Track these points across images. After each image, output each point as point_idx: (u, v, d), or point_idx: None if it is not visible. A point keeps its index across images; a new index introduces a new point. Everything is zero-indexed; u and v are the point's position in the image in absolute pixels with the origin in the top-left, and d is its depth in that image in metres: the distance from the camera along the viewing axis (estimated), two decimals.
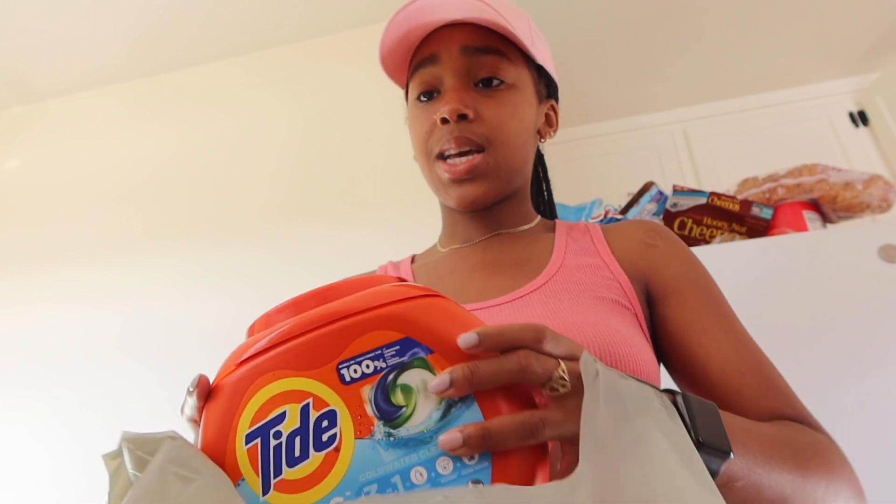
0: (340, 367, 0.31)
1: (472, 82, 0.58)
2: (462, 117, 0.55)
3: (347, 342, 0.31)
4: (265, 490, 0.29)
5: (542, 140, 0.66)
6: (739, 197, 1.26)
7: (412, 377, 0.30)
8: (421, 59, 0.59)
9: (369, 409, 0.30)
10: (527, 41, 0.58)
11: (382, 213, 1.59)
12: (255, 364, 0.32)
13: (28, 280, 1.82)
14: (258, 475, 0.30)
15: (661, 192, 1.33)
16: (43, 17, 1.83)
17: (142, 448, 0.29)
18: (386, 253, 1.51)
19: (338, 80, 1.87)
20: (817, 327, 1.01)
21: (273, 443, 0.30)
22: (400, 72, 0.65)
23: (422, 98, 0.59)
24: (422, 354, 0.31)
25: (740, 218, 1.21)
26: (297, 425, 0.30)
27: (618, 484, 0.26)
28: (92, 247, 1.81)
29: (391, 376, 0.30)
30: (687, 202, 1.26)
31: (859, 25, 2.10)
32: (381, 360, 0.31)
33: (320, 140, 1.79)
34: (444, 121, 0.56)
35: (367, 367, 0.31)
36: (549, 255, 0.60)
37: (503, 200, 0.62)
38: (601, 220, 1.33)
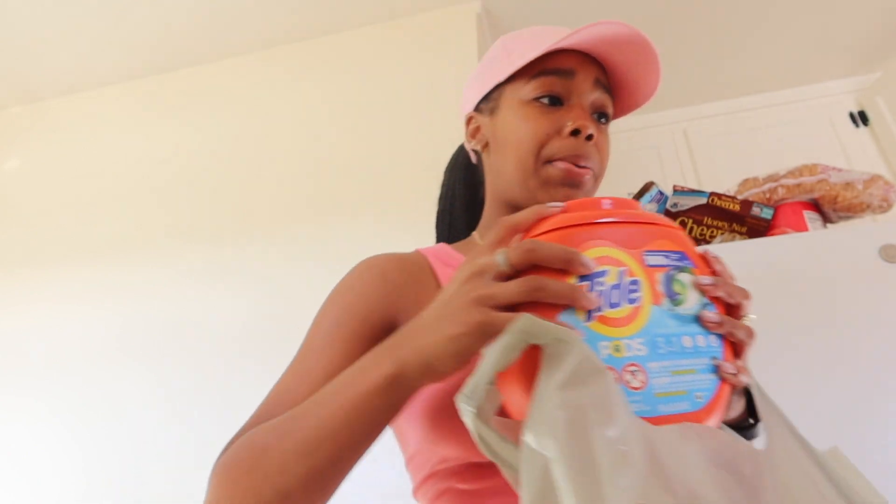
0: (645, 254, 0.43)
1: (591, 111, 0.64)
2: (589, 137, 0.61)
3: (651, 239, 0.44)
4: (588, 318, 0.39)
5: None
6: (740, 197, 1.26)
7: (685, 277, 0.43)
8: (558, 68, 0.63)
9: (660, 288, 0.42)
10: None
11: (398, 210, 1.58)
12: (592, 229, 0.43)
13: (28, 280, 1.82)
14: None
15: (661, 192, 1.33)
16: (48, 16, 1.83)
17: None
18: (402, 249, 1.51)
19: (357, 76, 1.87)
20: (817, 327, 1.01)
21: (597, 288, 0.40)
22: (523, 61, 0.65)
23: (543, 100, 0.63)
24: (691, 266, 0.44)
25: (740, 218, 1.21)
26: (616, 282, 0.41)
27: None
28: (92, 247, 1.81)
29: (674, 272, 0.43)
30: (687, 202, 1.26)
31: (860, 25, 2.10)
32: (669, 259, 0.44)
33: (328, 138, 1.79)
34: (574, 133, 0.61)
35: (661, 260, 0.43)
36: None
37: None
38: None
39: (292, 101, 1.89)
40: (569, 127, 0.60)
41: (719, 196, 1.24)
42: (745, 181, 1.33)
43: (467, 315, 0.39)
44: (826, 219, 1.26)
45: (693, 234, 1.24)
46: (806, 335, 1.01)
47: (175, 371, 1.53)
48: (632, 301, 0.41)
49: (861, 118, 2.26)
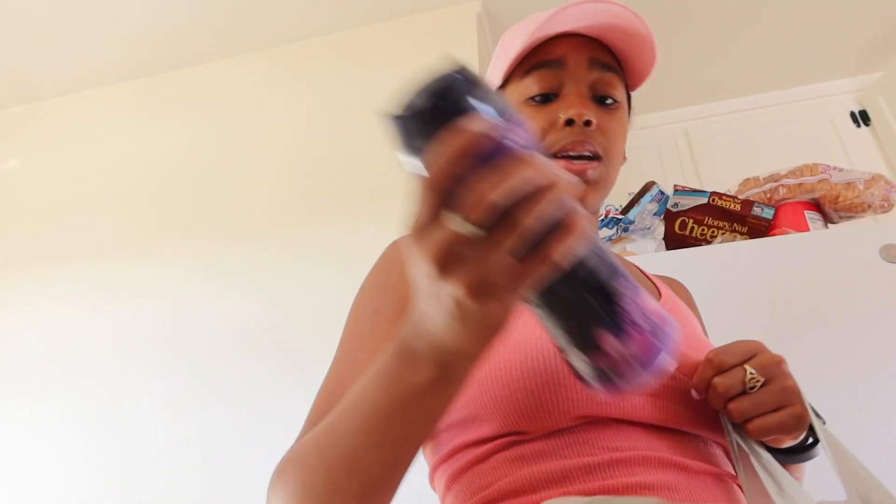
0: None
1: (591, 94, 0.59)
2: (587, 123, 0.56)
3: None
4: None
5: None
6: (741, 197, 1.26)
7: None
8: (544, 59, 0.59)
9: None
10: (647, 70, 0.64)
11: (398, 210, 1.57)
12: None
13: (28, 280, 1.82)
14: None
15: (662, 192, 1.33)
16: (48, 16, 1.83)
17: None
18: None
19: (357, 76, 1.87)
20: (818, 327, 1.01)
21: None
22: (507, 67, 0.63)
23: (536, 98, 0.59)
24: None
25: (741, 218, 1.21)
26: None
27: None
28: (92, 246, 1.81)
29: None
30: (688, 202, 1.26)
31: (860, 25, 2.10)
32: None
33: (328, 138, 1.79)
34: (569, 122, 0.56)
35: None
36: (642, 277, 0.69)
37: (592, 213, 0.61)
38: (602, 221, 1.33)
39: (293, 100, 1.89)
40: (561, 118, 0.56)
41: (720, 196, 1.24)
42: (746, 181, 1.33)
43: None
44: (827, 219, 1.26)
45: (694, 234, 1.24)
46: (806, 335, 1.01)
47: (175, 371, 1.53)
48: None
49: (862, 118, 2.25)
